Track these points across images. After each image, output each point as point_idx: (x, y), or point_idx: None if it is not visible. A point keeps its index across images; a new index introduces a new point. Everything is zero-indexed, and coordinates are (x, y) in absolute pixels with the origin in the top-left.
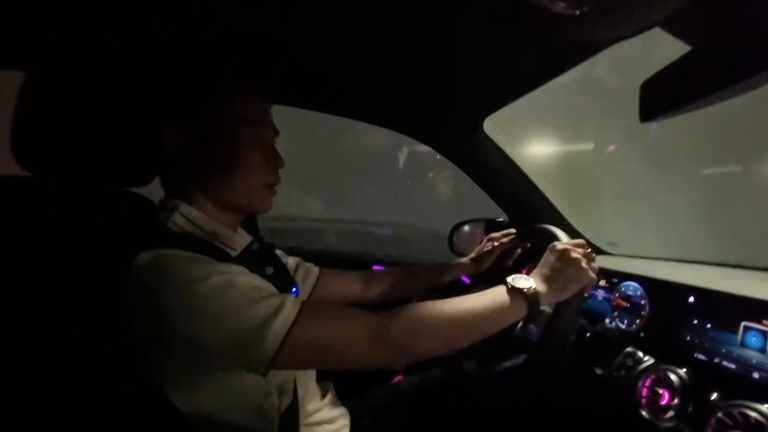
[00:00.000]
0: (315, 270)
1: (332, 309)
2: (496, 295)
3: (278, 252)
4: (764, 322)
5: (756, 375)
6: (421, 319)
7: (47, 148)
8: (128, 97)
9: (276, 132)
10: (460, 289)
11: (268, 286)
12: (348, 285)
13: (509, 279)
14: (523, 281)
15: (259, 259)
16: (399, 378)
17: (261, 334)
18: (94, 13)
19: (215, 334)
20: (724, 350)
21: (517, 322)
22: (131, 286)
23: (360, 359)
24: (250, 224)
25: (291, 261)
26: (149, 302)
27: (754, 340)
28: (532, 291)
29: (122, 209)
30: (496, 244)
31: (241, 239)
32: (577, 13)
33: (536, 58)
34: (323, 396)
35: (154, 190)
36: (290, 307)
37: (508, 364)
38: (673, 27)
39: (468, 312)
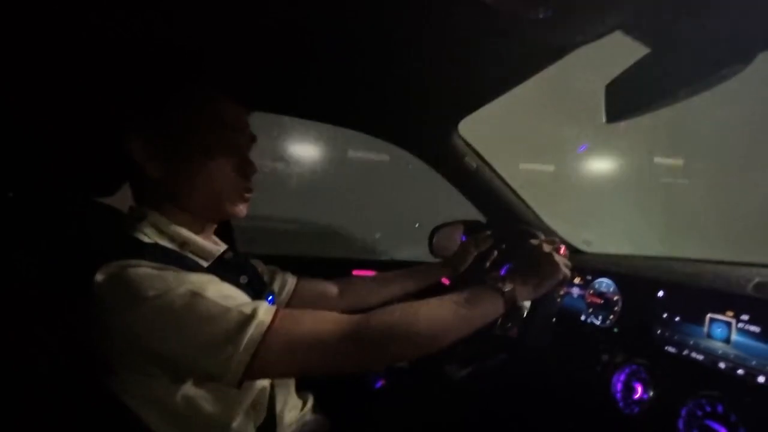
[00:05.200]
0: (292, 279)
1: (307, 314)
2: (472, 295)
3: (254, 261)
4: (728, 313)
5: (722, 365)
6: (398, 321)
7: (5, 156)
8: (92, 103)
9: (252, 138)
10: (440, 291)
11: (241, 294)
12: (326, 293)
13: (486, 278)
14: (500, 279)
15: (232, 268)
16: (380, 383)
17: (234, 343)
18: (56, 16)
19: (186, 346)
20: (692, 342)
21: (496, 322)
22: (96, 299)
23: (337, 364)
24: (224, 232)
25: (267, 270)
26: (116, 316)
27: (719, 331)
28: (508, 288)
29: (88, 219)
30: (474, 245)
31: (214, 249)
32: (541, 17)
33: (506, 61)
34: (303, 407)
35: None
36: (264, 313)
37: (488, 364)
38: (633, 30)
39: (445, 312)
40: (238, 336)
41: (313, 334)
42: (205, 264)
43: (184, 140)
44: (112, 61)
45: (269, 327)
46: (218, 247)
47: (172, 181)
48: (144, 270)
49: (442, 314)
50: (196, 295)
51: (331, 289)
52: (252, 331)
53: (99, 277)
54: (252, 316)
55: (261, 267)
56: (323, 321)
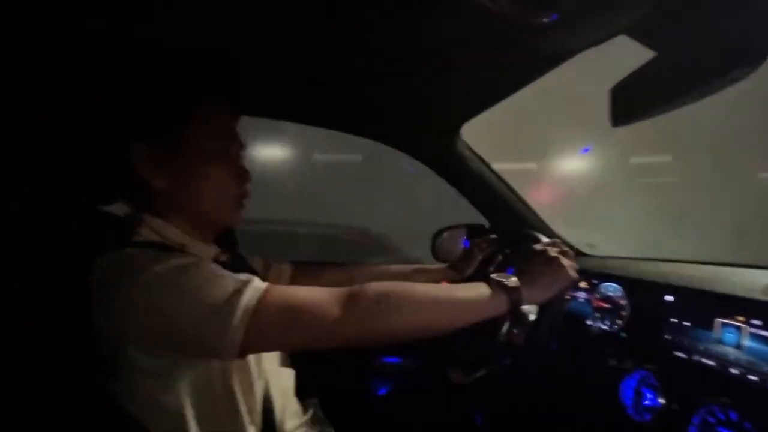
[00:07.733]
0: (288, 267)
1: (301, 287)
2: (475, 286)
3: (251, 260)
4: (738, 317)
5: (733, 370)
6: (394, 290)
7: (5, 162)
8: (93, 112)
9: (243, 146)
10: None
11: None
12: (323, 280)
13: (492, 275)
14: (505, 277)
15: (229, 270)
16: (385, 390)
17: (230, 308)
18: (60, 25)
19: (183, 314)
20: (702, 347)
21: (502, 327)
22: (96, 287)
23: (332, 333)
24: (227, 237)
25: (263, 265)
26: (115, 291)
27: (729, 336)
28: (513, 285)
29: (87, 224)
30: (477, 249)
31: (211, 250)
32: (545, 21)
33: (510, 66)
34: (304, 413)
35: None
36: (258, 281)
37: (493, 370)
38: (637, 34)
39: (444, 294)
40: (234, 301)
41: (307, 299)
42: None
43: (184, 149)
44: (117, 70)
45: (265, 292)
46: (215, 249)
47: (171, 189)
48: (143, 253)
49: (440, 296)
50: (192, 266)
51: (329, 276)
52: (248, 295)
53: (100, 262)
54: (247, 283)
55: (256, 264)
56: (318, 290)
